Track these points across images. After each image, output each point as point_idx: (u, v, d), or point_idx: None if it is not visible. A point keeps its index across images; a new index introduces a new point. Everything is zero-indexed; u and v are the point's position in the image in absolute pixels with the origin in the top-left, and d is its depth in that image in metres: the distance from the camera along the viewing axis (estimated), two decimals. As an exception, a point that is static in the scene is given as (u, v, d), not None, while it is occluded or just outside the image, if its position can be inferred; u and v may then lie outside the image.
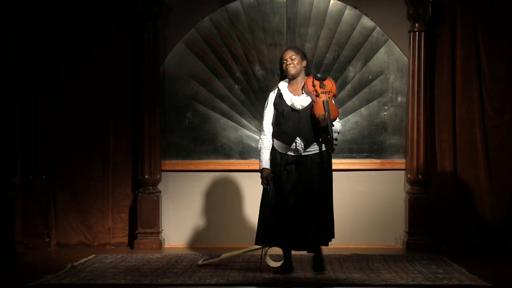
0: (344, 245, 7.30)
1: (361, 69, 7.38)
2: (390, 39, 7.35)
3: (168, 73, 7.41)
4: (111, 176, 7.37)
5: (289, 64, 5.97)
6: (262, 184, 5.91)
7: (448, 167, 7.28)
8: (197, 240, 7.38)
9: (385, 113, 7.39)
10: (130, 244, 7.34)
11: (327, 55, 7.37)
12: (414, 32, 7.19)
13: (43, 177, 7.29)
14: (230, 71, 7.40)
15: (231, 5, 7.39)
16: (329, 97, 5.86)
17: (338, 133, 5.98)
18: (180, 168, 7.41)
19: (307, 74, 6.04)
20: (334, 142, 5.70)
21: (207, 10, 7.39)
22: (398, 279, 5.69)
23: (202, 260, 6.35)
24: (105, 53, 7.35)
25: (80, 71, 7.36)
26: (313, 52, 7.36)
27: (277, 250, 6.26)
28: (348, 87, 7.38)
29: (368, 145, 7.39)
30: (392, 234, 7.37)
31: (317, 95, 5.86)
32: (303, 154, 5.86)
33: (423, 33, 7.17)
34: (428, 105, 7.23)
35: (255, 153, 7.24)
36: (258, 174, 7.28)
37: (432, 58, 7.27)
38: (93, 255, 6.76)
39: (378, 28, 7.34)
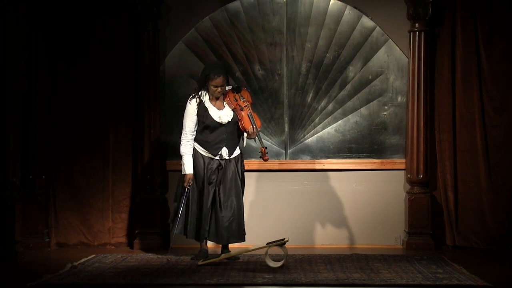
0: (344, 245, 7.32)
1: (361, 69, 7.38)
2: (390, 39, 7.35)
3: (168, 72, 7.42)
4: (111, 176, 7.37)
5: (219, 91, 6.45)
6: (184, 185, 6.48)
7: (448, 167, 7.28)
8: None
9: (385, 113, 7.39)
10: (130, 244, 7.34)
11: (327, 55, 7.37)
12: (414, 32, 7.19)
13: (43, 177, 7.29)
14: (230, 71, 7.39)
15: (231, 5, 7.39)
16: (249, 108, 6.47)
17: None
18: (180, 168, 7.39)
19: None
20: (266, 151, 6.42)
21: (207, 10, 7.39)
22: (398, 279, 5.69)
23: (202, 260, 6.35)
24: (105, 53, 7.35)
25: (80, 70, 7.35)
26: (313, 52, 7.36)
27: (277, 251, 6.27)
28: (348, 87, 7.38)
29: (368, 145, 7.40)
30: (392, 234, 7.37)
31: (241, 109, 6.45)
32: (227, 158, 6.48)
33: (423, 33, 7.17)
34: (428, 105, 7.23)
35: (255, 153, 7.23)
36: (257, 173, 7.38)
37: (432, 58, 7.27)
38: (93, 255, 6.75)
39: (378, 28, 7.34)
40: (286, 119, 7.42)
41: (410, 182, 7.27)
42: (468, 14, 7.22)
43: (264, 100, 7.41)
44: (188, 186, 6.46)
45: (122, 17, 7.35)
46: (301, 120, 7.42)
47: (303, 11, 7.37)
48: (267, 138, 7.39)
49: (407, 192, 7.28)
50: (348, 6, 7.34)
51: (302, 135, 7.43)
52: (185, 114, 6.51)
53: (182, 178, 6.53)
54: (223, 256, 6.39)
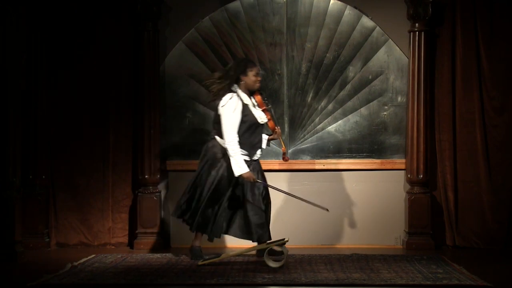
0: (344, 245, 7.32)
1: (361, 69, 7.38)
2: (390, 39, 7.35)
3: (168, 72, 7.42)
4: (111, 176, 7.37)
5: (259, 79, 6.41)
6: (257, 181, 6.32)
7: (448, 167, 7.28)
8: (197, 240, 7.38)
9: (385, 113, 7.39)
10: (130, 244, 7.35)
11: (327, 55, 7.37)
12: (414, 32, 7.20)
13: (43, 177, 7.29)
14: (230, 71, 7.40)
15: (231, 5, 7.40)
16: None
17: None
18: (180, 168, 7.41)
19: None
20: (287, 151, 6.47)
21: (207, 10, 7.40)
22: (398, 279, 5.69)
23: (202, 260, 6.35)
24: (105, 53, 7.35)
25: (80, 70, 7.36)
26: (313, 52, 7.37)
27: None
28: (348, 87, 7.39)
29: (368, 145, 7.40)
30: (392, 234, 7.37)
31: (268, 110, 6.41)
32: (254, 159, 6.42)
33: (423, 33, 7.18)
34: (428, 105, 7.24)
35: (255, 153, 7.23)
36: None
37: (432, 58, 7.28)
38: (93, 255, 6.75)
39: (378, 28, 7.34)
40: (286, 119, 7.43)
41: (410, 182, 7.27)
42: (468, 14, 7.22)
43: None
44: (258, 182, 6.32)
45: (122, 17, 7.35)
46: (301, 120, 7.42)
47: (303, 11, 7.37)
48: (267, 138, 7.40)
49: (407, 192, 7.29)
50: (348, 6, 7.35)
51: (302, 135, 7.44)
52: (228, 113, 6.20)
53: (239, 179, 6.30)
54: (223, 256, 6.39)
